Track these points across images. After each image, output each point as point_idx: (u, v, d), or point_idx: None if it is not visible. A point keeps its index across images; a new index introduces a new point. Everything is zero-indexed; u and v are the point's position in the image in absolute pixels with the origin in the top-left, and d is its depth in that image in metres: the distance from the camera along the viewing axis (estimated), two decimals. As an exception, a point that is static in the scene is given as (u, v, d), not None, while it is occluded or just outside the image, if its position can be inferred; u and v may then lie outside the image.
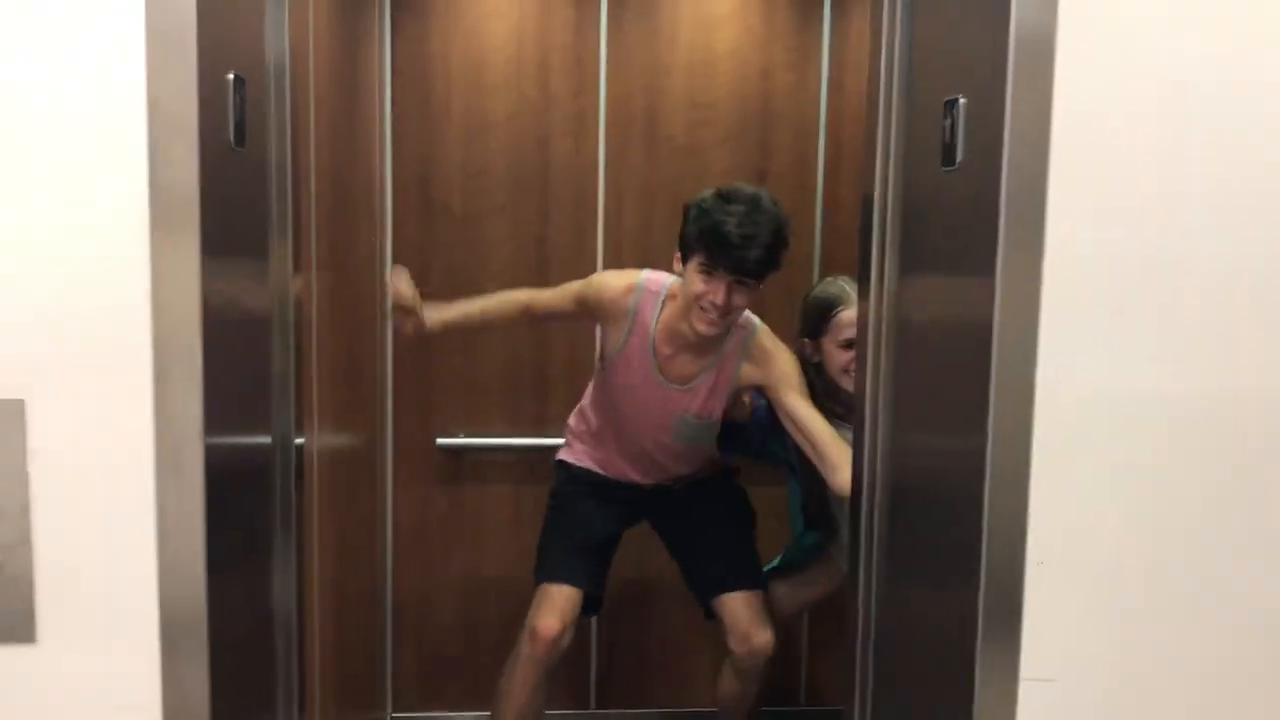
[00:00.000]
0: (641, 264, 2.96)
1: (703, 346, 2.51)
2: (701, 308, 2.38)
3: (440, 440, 3.01)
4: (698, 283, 2.37)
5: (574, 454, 2.78)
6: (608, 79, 2.97)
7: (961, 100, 1.40)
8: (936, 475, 1.49)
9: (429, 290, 2.97)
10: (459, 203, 2.97)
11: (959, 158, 1.41)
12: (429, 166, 2.96)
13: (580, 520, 2.71)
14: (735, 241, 2.31)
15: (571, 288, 2.64)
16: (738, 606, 2.66)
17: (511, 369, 3.02)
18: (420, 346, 3.00)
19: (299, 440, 1.76)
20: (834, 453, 2.36)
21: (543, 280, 2.98)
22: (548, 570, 2.67)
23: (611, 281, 2.57)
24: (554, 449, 2.99)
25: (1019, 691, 1.31)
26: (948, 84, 1.45)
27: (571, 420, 2.82)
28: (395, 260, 2.96)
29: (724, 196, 2.38)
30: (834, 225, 3.04)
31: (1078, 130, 1.24)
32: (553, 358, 3.04)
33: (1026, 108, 1.25)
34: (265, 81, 1.56)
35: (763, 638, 2.64)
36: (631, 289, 2.54)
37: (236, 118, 1.35)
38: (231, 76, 1.32)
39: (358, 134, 2.62)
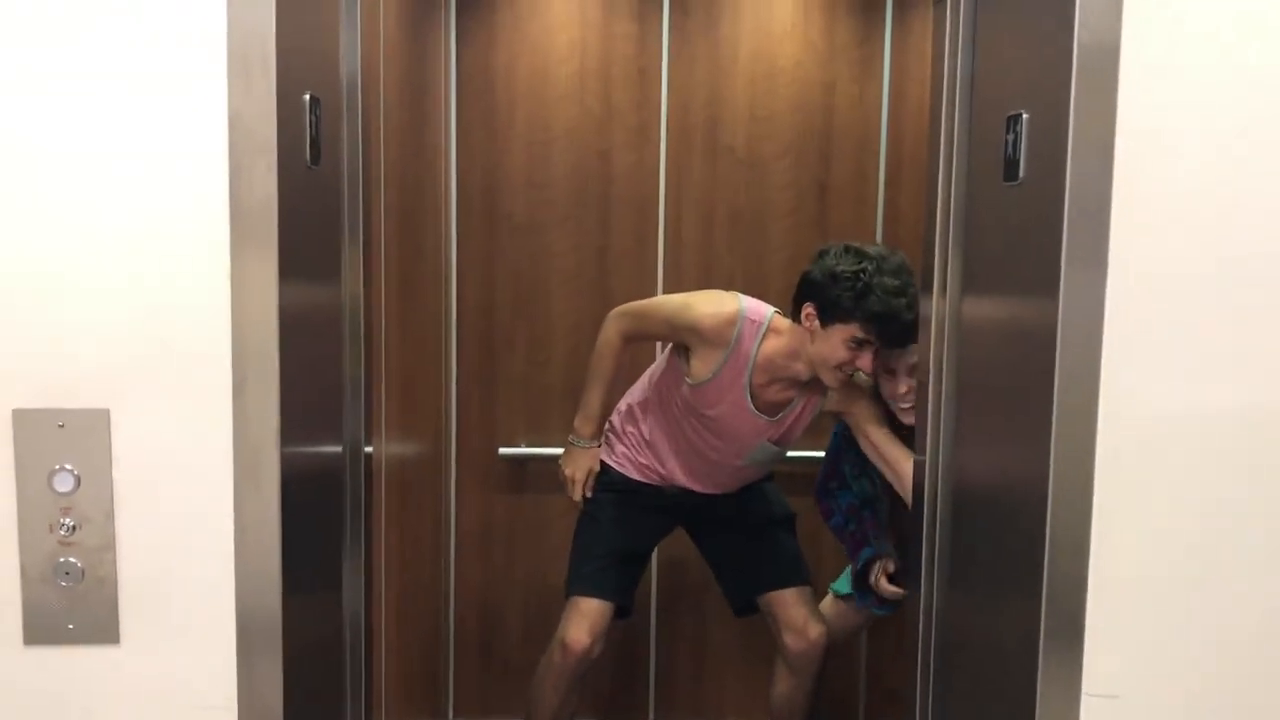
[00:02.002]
0: (702, 274, 2.99)
1: (799, 381, 2.54)
2: (841, 369, 2.42)
3: (503, 450, 3.05)
4: (842, 350, 2.39)
5: (614, 457, 2.77)
6: (669, 91, 3.00)
7: (1024, 115, 1.40)
8: (999, 490, 1.49)
9: (493, 303, 3.02)
10: (522, 214, 3.02)
11: (1022, 173, 1.41)
12: (493, 178, 3.01)
13: (614, 531, 2.72)
14: (908, 323, 2.31)
15: (663, 311, 2.63)
16: (791, 601, 2.71)
17: (572, 379, 3.05)
18: (483, 358, 3.05)
19: (368, 449, 1.80)
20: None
21: (605, 291, 3.02)
22: (579, 583, 2.70)
23: (711, 309, 2.53)
24: (614, 458, 3.03)
25: (1081, 707, 1.30)
26: (1010, 98, 1.46)
27: (615, 419, 2.80)
28: (460, 269, 3.02)
29: (879, 267, 2.37)
30: (894, 238, 3.03)
31: (1143, 145, 1.24)
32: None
33: (1090, 123, 1.24)
34: (339, 100, 1.60)
35: (817, 630, 2.70)
36: (733, 320, 2.50)
37: (312, 136, 1.39)
38: (308, 97, 1.36)
39: (425, 147, 2.67)
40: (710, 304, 2.55)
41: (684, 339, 2.58)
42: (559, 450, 3.03)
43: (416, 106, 2.55)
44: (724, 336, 2.50)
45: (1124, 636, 1.29)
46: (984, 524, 1.55)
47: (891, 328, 2.34)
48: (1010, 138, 1.45)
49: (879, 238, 3.04)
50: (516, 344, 3.05)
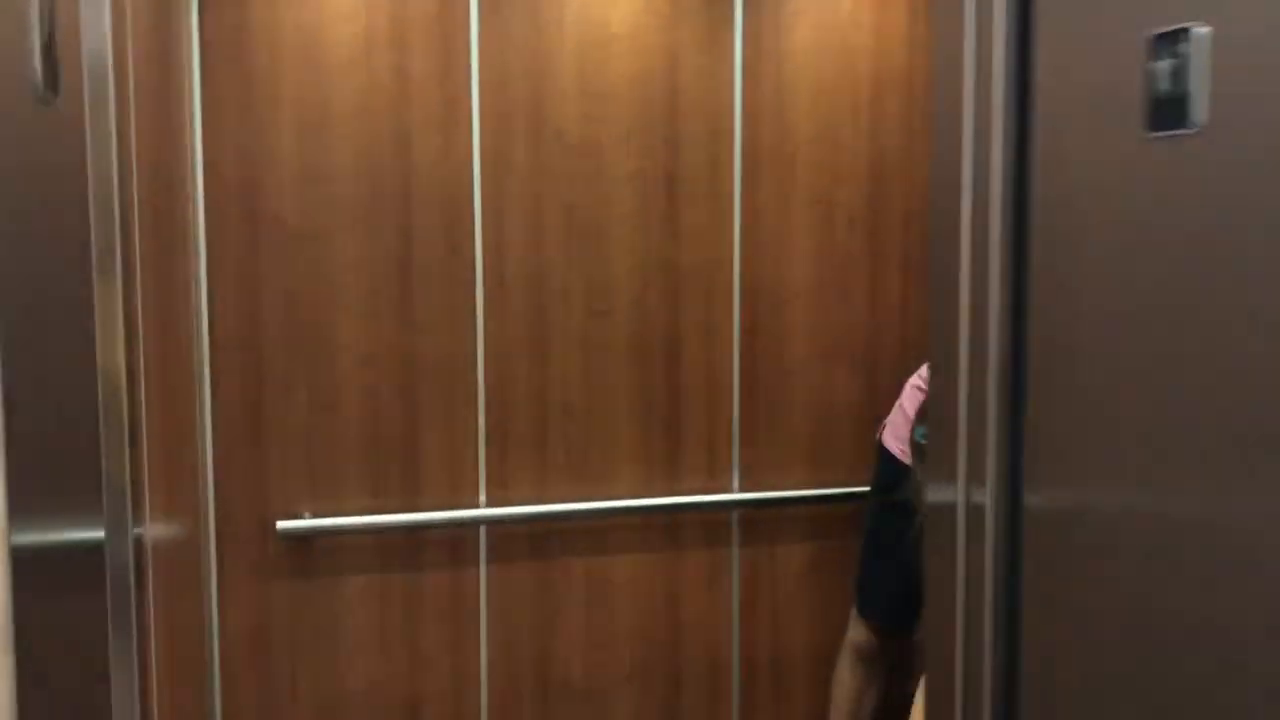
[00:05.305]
0: (532, 289, 2.42)
1: None
2: None
3: (281, 524, 2.33)
4: None
5: None
6: (481, 60, 2.39)
7: (1198, 30, 0.94)
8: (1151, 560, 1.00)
9: (259, 332, 2.31)
10: (295, 216, 2.32)
11: (1197, 115, 0.95)
12: (253, 169, 2.29)
13: None
14: None
15: None
16: None
17: (368, 429, 2.38)
18: (248, 406, 2.32)
19: (137, 531, 1.38)
20: None
21: (408, 313, 2.37)
22: None
23: None
24: (431, 526, 2.40)
25: None
26: (1150, 11, 1.00)
27: None
28: (212, 290, 2.28)
29: None
30: (755, 241, 2.56)
31: None
32: (426, 409, 2.42)
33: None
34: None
35: None
36: None
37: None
38: None
39: (170, 131, 1.95)
40: None
41: None
42: (356, 519, 2.37)
43: (163, 79, 1.84)
44: None
45: None
46: (1104, 623, 1.06)
47: None
48: (1162, 65, 0.98)
49: (737, 240, 2.55)
50: (293, 387, 2.34)
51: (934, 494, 1.36)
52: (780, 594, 2.67)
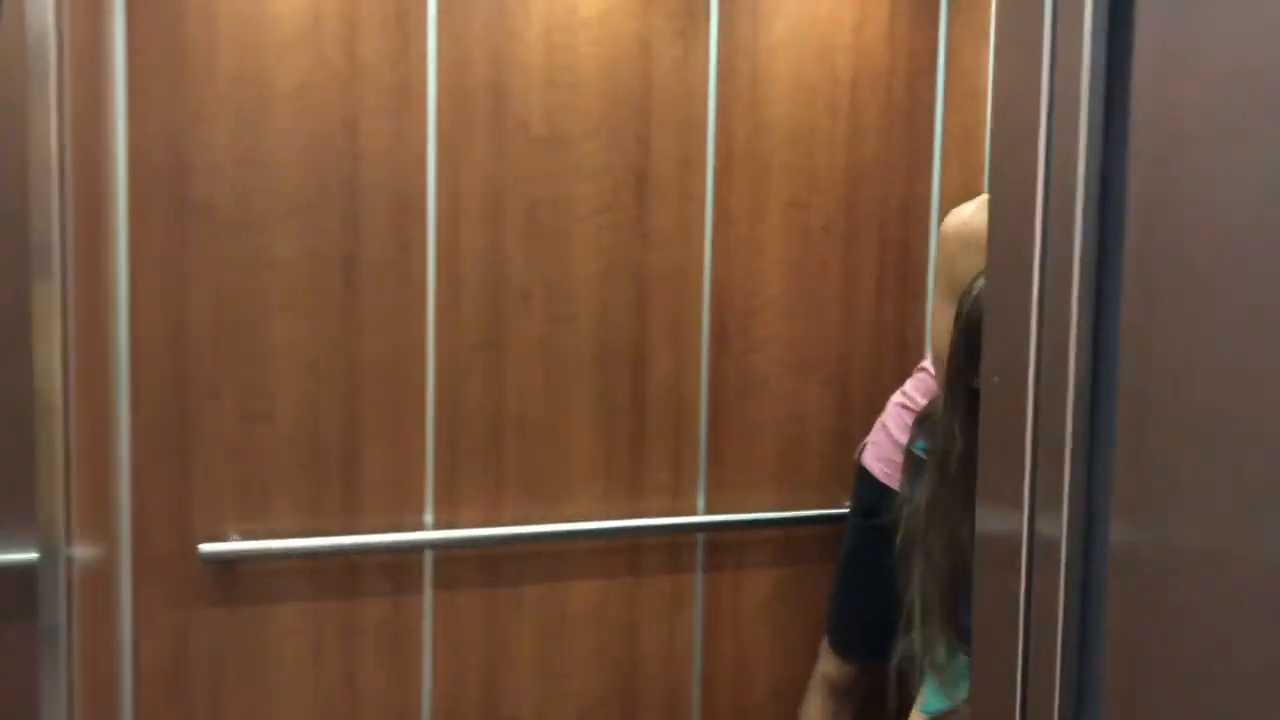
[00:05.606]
0: (489, 291, 2.23)
1: None
2: None
3: (205, 546, 2.10)
4: None
5: None
6: (439, 41, 2.19)
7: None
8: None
9: (185, 333, 2.08)
10: (230, 205, 2.09)
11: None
12: (184, 152, 2.06)
13: None
14: None
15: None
16: None
17: (305, 441, 2.17)
18: (170, 414, 2.09)
19: (68, 552, 1.31)
20: None
21: (352, 315, 2.16)
22: None
23: None
24: (372, 549, 2.19)
25: None
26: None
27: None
28: (135, 284, 2.04)
29: None
30: (726, 246, 2.40)
31: None
32: (369, 421, 2.20)
33: None
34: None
35: None
36: None
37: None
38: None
39: (94, 106, 1.73)
40: None
41: None
42: (289, 542, 2.15)
43: (87, 47, 1.61)
44: None
45: None
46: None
47: None
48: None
49: (708, 244, 2.39)
50: (221, 394, 2.11)
51: (987, 523, 1.21)
52: (746, 622, 2.51)
